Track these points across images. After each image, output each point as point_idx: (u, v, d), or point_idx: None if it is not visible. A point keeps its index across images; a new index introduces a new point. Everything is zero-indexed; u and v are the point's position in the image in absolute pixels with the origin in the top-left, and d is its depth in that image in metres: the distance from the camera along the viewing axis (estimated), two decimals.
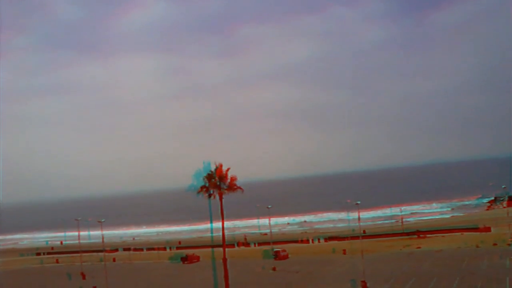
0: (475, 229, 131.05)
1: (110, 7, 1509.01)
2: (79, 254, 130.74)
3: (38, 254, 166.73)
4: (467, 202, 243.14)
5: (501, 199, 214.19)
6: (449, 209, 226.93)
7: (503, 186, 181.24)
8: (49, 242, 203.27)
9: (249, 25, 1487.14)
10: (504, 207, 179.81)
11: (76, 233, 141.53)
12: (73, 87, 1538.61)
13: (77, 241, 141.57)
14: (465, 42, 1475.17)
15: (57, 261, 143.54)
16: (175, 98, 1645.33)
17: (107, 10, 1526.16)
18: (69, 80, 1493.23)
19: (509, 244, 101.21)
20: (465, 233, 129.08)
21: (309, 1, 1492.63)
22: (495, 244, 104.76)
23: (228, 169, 66.15)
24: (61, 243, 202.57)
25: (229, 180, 66.15)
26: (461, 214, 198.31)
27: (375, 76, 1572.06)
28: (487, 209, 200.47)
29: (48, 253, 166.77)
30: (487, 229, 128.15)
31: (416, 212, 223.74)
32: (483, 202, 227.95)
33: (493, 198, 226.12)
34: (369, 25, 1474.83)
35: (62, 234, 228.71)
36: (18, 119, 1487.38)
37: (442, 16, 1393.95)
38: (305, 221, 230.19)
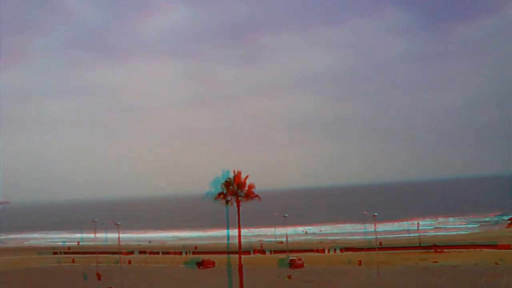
0: (494, 246, 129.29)
1: (131, 11, 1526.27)
2: (95, 255, 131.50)
3: (55, 253, 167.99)
4: (486, 219, 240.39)
5: None
6: (468, 224, 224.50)
7: None
8: (66, 242, 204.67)
9: (270, 33, 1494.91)
10: None
11: (92, 235, 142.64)
12: (91, 90, 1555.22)
13: (93, 242, 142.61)
14: (485, 57, 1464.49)
15: (73, 261, 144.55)
16: (194, 104, 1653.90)
17: (127, 14, 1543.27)
18: (87, 82, 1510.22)
19: None
20: (483, 249, 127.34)
21: (330, 12, 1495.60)
22: None
23: (246, 177, 66.40)
24: (78, 243, 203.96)
25: (247, 188, 66.32)
26: (480, 230, 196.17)
27: (394, 88, 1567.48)
28: (508, 227, 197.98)
29: (65, 253, 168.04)
30: (507, 247, 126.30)
31: (434, 227, 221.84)
32: (503, 219, 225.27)
33: None
34: (389, 38, 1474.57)
35: (79, 234, 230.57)
36: (37, 120, 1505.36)
37: (463, 30, 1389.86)
38: (320, 230, 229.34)
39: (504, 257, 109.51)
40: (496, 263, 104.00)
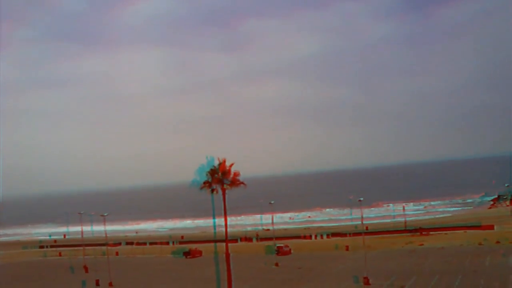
0: (478, 227, 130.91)
1: None
2: (82, 248, 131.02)
3: (41, 247, 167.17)
4: (470, 200, 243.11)
5: (504, 197, 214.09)
6: (452, 207, 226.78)
7: (506, 185, 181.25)
8: (52, 236, 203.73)
9: (254, 19, 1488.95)
10: (508, 206, 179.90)
11: (79, 227, 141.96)
12: (75, 80, 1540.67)
13: (80, 235, 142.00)
14: (470, 40, 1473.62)
15: (60, 254, 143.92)
16: (178, 92, 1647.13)
17: (110, 2, 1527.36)
18: (71, 73, 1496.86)
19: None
20: (468, 231, 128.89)
21: None
22: (498, 242, 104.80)
23: (231, 165, 66.10)
24: (64, 236, 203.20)
25: (232, 176, 66.06)
26: (464, 212, 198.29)
27: (380, 73, 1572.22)
28: (490, 207, 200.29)
29: (51, 246, 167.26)
30: (490, 227, 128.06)
31: (418, 209, 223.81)
32: (486, 200, 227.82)
33: (496, 196, 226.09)
34: (374, 21, 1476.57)
35: (64, 227, 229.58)
36: (19, 112, 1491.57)
37: (448, 13, 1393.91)
38: (309, 217, 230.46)
39: (488, 237, 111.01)
40: (480, 244, 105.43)
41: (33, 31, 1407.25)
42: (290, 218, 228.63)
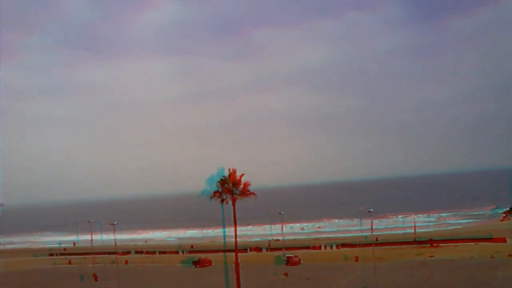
0: (489, 239, 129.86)
1: (123, 7, 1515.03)
2: (91, 256, 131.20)
3: (51, 255, 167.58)
4: (481, 212, 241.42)
5: None
6: (463, 219, 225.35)
7: None
8: (61, 244, 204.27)
9: (265, 28, 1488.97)
10: None
11: (88, 236, 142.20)
12: (84, 89, 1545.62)
13: (89, 243, 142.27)
14: (479, 51, 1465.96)
15: (69, 262, 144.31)
16: (188, 101, 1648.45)
17: (119, 11, 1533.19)
18: (80, 81, 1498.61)
19: None
20: (479, 243, 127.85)
21: (325, 6, 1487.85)
22: (510, 255, 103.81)
23: (242, 175, 66.39)
24: (74, 244, 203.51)
25: (242, 186, 66.25)
26: (475, 224, 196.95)
27: (390, 83, 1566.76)
28: (502, 220, 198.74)
29: (61, 254, 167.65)
30: (502, 240, 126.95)
31: (429, 221, 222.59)
32: (498, 213, 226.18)
33: (508, 209, 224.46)
34: (385, 31, 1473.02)
35: (74, 236, 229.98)
36: (28, 119, 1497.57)
37: (457, 24, 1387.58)
38: (318, 227, 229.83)
39: (499, 250, 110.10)
40: (492, 256, 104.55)
41: (42, 39, 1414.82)
42: (301, 228, 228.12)
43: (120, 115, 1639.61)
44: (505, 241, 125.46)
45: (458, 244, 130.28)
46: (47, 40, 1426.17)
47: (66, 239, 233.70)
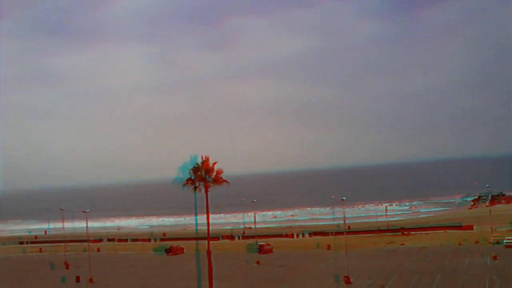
0: (458, 227, 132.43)
1: None
2: (63, 244, 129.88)
3: (21, 243, 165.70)
4: (451, 200, 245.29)
5: (484, 198, 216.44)
6: (434, 207, 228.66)
7: (486, 186, 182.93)
8: (32, 232, 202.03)
9: (240, 17, 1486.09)
10: (487, 206, 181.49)
11: (60, 223, 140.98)
12: (57, 76, 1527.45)
13: (61, 231, 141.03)
14: (459, 40, 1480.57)
15: (40, 251, 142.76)
16: (163, 89, 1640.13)
17: None
18: (53, 69, 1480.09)
19: (490, 242, 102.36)
20: (448, 231, 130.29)
21: None
22: (477, 242, 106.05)
23: (214, 163, 65.94)
24: (45, 232, 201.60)
25: (215, 173, 65.91)
26: (445, 212, 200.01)
27: (367, 72, 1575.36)
28: (471, 208, 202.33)
29: (32, 242, 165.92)
30: (470, 227, 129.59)
31: (401, 209, 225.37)
32: (467, 201, 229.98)
33: (477, 197, 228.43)
34: (362, 21, 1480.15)
35: (45, 224, 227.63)
36: (2, 108, 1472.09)
37: (436, 13, 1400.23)
38: (292, 215, 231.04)
39: (467, 238, 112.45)
40: (460, 244, 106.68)
41: (15, 26, 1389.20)
42: (274, 216, 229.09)
43: (94, 103, 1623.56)
44: (473, 229, 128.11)
45: (429, 232, 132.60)
46: (19, 27, 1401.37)
47: (37, 227, 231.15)
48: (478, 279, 72.15)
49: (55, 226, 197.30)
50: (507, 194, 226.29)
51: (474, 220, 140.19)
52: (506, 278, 71.91)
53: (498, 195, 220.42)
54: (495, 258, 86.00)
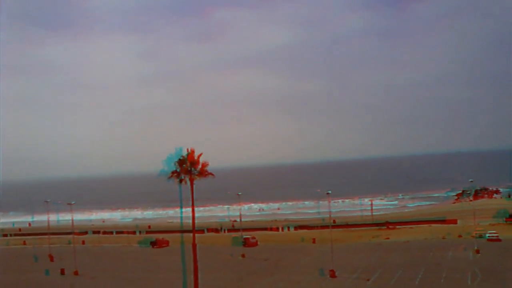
0: (442, 221, 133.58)
1: None
2: (47, 236, 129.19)
3: (5, 235, 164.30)
4: (436, 195, 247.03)
5: (468, 192, 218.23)
6: (419, 201, 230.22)
7: (470, 180, 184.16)
8: (15, 224, 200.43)
9: (226, 8, 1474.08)
10: (471, 201, 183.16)
11: (44, 216, 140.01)
12: (43, 67, 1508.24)
13: (45, 224, 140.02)
14: (446, 34, 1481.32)
15: (24, 243, 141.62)
16: (148, 81, 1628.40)
17: None
18: (36, 59, 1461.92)
19: (473, 236, 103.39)
20: (432, 225, 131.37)
21: None
22: (460, 236, 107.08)
23: (200, 155, 65.74)
24: (29, 225, 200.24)
25: (200, 166, 65.73)
26: (430, 207, 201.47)
27: (353, 65, 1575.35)
28: (455, 202, 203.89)
29: (15, 235, 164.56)
30: (454, 222, 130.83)
31: (386, 203, 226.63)
32: (452, 195, 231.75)
33: (461, 192, 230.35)
34: (347, 14, 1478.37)
35: (29, 216, 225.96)
36: None
37: (424, 7, 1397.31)
38: (278, 209, 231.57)
39: (451, 231, 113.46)
40: (443, 238, 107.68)
41: (3, 15, 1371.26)
42: (259, 209, 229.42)
43: (80, 94, 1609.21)
44: (456, 223, 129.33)
45: (414, 226, 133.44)
46: (3, 16, 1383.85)
47: (21, 219, 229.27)
48: (461, 272, 72.92)
49: (39, 219, 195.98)
50: (490, 188, 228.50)
51: (458, 214, 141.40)
52: (488, 271, 72.96)
53: (481, 190, 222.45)
54: (477, 251, 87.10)
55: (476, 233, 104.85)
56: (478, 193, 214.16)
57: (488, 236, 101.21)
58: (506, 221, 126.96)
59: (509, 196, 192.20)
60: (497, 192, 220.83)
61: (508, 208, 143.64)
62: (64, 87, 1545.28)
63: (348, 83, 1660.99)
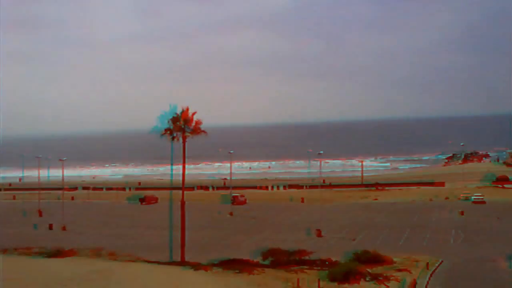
0: (430, 183, 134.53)
1: None
2: (37, 192, 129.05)
3: None
4: (426, 158, 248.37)
5: (458, 156, 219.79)
6: (409, 164, 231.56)
7: (461, 144, 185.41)
8: (6, 179, 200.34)
9: None
10: (460, 164, 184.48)
11: (35, 171, 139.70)
12: (38, 22, 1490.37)
13: (36, 179, 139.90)
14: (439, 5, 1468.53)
15: (14, 198, 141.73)
16: (143, 39, 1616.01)
17: None
18: (33, 14, 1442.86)
19: (459, 199, 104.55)
20: (421, 187, 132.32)
21: None
22: (447, 198, 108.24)
23: (194, 113, 65.20)
24: (20, 180, 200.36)
25: (194, 124, 65.33)
26: (420, 169, 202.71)
27: (349, 28, 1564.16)
28: (445, 165, 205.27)
29: (6, 190, 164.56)
30: (442, 184, 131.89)
31: (377, 165, 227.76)
32: (441, 159, 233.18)
33: (451, 155, 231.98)
34: None
35: (20, 171, 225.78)
36: None
37: None
38: (269, 167, 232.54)
39: (438, 194, 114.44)
40: (431, 200, 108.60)
41: None
42: (250, 168, 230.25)
43: (74, 50, 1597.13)
44: (444, 186, 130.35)
45: (402, 188, 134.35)
46: None
47: (11, 175, 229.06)
48: (444, 233, 74.06)
49: (30, 174, 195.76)
50: (480, 152, 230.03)
51: (446, 177, 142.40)
52: (470, 231, 74.37)
53: (471, 154, 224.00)
54: (462, 213, 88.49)
55: (462, 196, 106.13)
56: (468, 157, 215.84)
57: (474, 199, 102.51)
58: (492, 184, 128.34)
59: (498, 160, 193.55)
60: (486, 156, 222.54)
61: (496, 172, 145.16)
62: (57, 43, 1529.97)
63: (344, 45, 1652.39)
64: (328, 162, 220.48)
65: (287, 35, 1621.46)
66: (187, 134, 64.34)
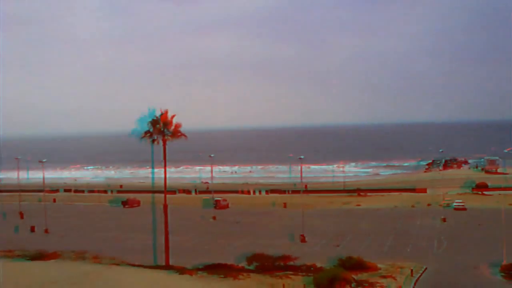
0: (412, 190, 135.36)
1: None
2: (17, 194, 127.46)
3: None
4: (407, 164, 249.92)
5: (438, 162, 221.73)
6: (390, 170, 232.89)
7: (440, 151, 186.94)
8: None
9: None
10: (441, 170, 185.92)
11: (15, 173, 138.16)
12: (13, 20, 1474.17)
13: (16, 181, 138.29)
14: (418, 9, 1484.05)
15: None
16: (123, 40, 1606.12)
17: None
18: (7, 12, 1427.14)
19: (441, 205, 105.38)
20: (403, 193, 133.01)
21: None
22: (429, 205, 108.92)
23: (173, 116, 65.06)
24: None
25: (173, 127, 65.15)
26: (401, 175, 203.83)
27: (328, 32, 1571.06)
28: (425, 172, 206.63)
29: None
30: (423, 191, 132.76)
31: (358, 171, 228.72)
32: (422, 165, 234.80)
33: (431, 161, 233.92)
34: None
35: None
36: None
37: None
38: (250, 171, 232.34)
39: (420, 200, 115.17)
40: (413, 206, 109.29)
41: None
42: (231, 172, 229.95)
43: (53, 50, 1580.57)
44: (426, 192, 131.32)
45: (384, 194, 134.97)
46: None
47: None
48: (427, 239, 74.50)
49: (9, 176, 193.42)
50: (459, 159, 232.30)
51: (427, 184, 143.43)
52: (453, 238, 74.96)
53: (450, 160, 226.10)
54: (444, 220, 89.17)
55: (444, 203, 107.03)
56: (447, 164, 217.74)
57: (455, 205, 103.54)
58: (472, 191, 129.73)
59: (477, 167, 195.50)
60: (465, 162, 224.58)
61: (475, 179, 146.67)
62: (34, 41, 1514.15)
63: (321, 49, 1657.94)
64: (309, 168, 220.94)
65: (266, 37, 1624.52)
66: (167, 137, 64.19)
